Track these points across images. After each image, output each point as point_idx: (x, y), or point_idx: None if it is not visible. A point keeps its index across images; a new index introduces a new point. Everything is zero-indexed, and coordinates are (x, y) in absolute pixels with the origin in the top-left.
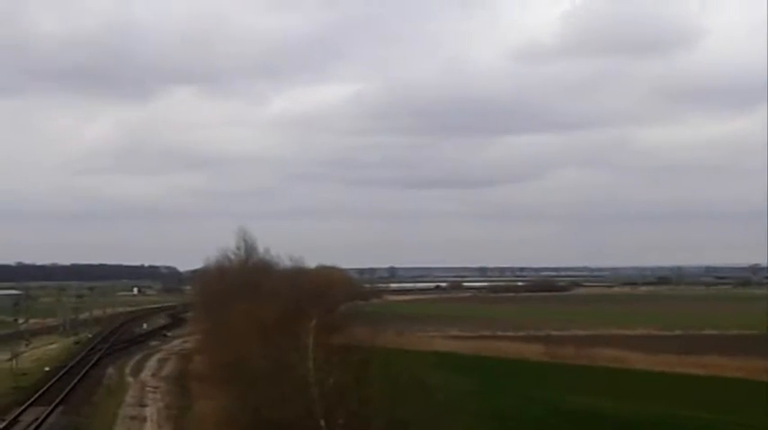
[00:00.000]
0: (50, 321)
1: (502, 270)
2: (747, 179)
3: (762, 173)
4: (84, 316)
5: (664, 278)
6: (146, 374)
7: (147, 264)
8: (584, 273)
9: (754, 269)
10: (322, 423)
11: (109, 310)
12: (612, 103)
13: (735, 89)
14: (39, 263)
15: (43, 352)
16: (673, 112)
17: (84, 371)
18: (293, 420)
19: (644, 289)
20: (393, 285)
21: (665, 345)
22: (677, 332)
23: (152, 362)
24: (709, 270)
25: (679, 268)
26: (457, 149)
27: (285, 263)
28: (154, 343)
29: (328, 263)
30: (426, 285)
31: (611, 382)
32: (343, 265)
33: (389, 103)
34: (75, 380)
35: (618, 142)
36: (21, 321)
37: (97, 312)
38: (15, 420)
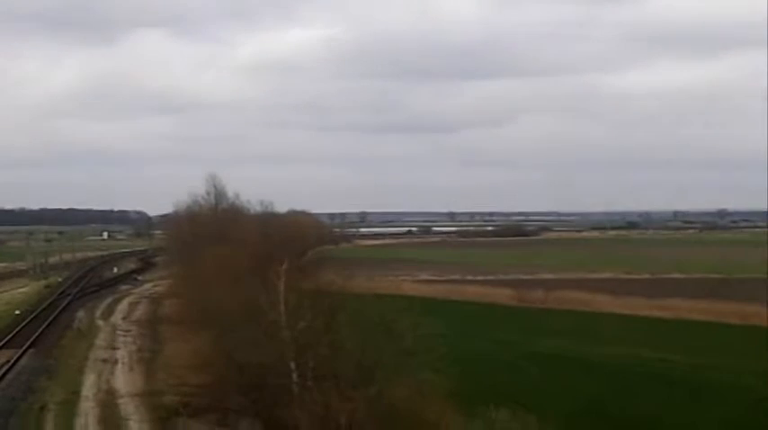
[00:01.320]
0: (20, 265)
1: (471, 215)
2: (716, 126)
3: (731, 119)
4: (54, 260)
5: (632, 223)
6: (117, 318)
7: (116, 209)
8: (554, 218)
9: (722, 213)
10: (292, 366)
11: (79, 255)
12: (582, 49)
13: (704, 35)
14: (7, 207)
15: (13, 295)
16: (643, 59)
17: (54, 314)
18: (264, 363)
19: (612, 233)
20: (363, 230)
21: (631, 288)
22: (644, 275)
23: (123, 306)
24: (677, 214)
25: (647, 213)
26: (428, 94)
27: (255, 208)
28: (124, 287)
29: (299, 208)
30: (397, 230)
31: (578, 325)
32: (314, 210)
33: (361, 48)
34: (46, 324)
35: (588, 89)
36: None
37: (67, 256)
38: None
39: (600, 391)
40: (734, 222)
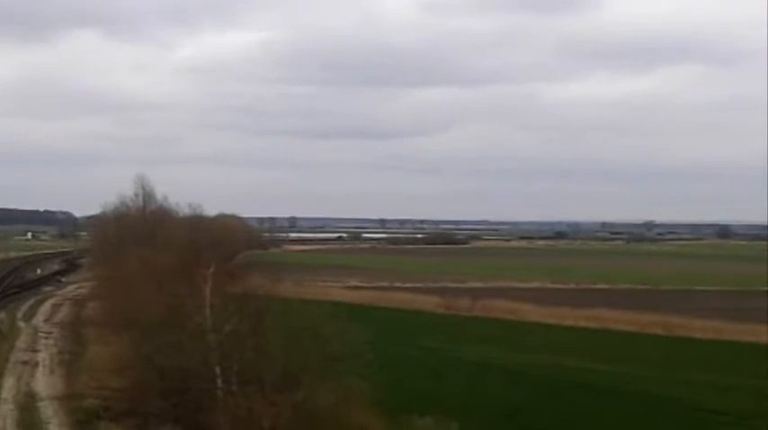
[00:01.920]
0: None
1: (402, 222)
2: (645, 138)
3: (660, 132)
4: None
5: (561, 233)
6: (38, 319)
7: (42, 209)
8: (484, 227)
9: (648, 225)
10: (217, 370)
11: (1, 255)
12: (521, 59)
13: (639, 49)
14: None
15: None
16: (578, 71)
17: None
18: (187, 367)
19: (541, 243)
20: (293, 235)
21: (557, 298)
22: (571, 286)
23: (45, 308)
24: (605, 226)
25: (576, 223)
26: (364, 101)
27: (184, 210)
28: (47, 288)
29: (229, 211)
30: (327, 236)
31: (504, 333)
32: (244, 214)
33: (298, 53)
34: None
35: (523, 98)
36: None
37: None
38: None
39: (524, 399)
40: (660, 234)
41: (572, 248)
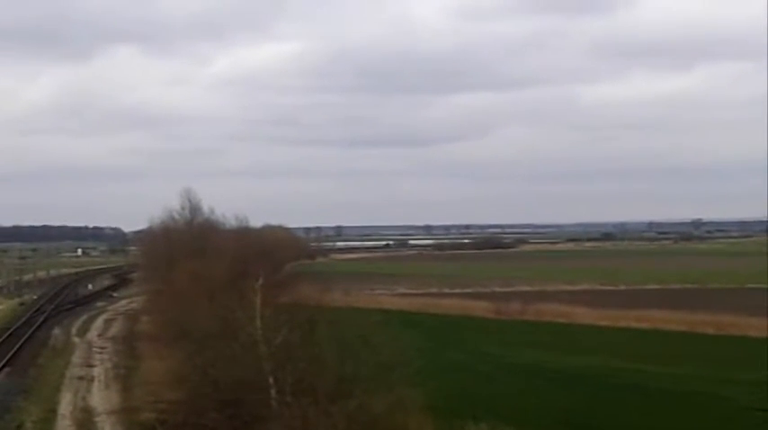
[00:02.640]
0: None
1: (447, 228)
2: (688, 135)
3: (702, 129)
4: (28, 277)
5: (608, 234)
6: (92, 335)
7: (91, 226)
8: (530, 230)
9: (696, 224)
10: (270, 381)
11: (53, 271)
12: (557, 61)
13: (675, 47)
14: None
15: None
16: (615, 70)
17: (29, 332)
18: (242, 379)
19: (588, 245)
20: (339, 244)
21: (607, 300)
22: (620, 287)
23: (98, 323)
24: (651, 225)
25: (623, 224)
26: (402, 108)
27: (230, 222)
28: (100, 303)
29: (274, 222)
30: (373, 244)
31: (555, 337)
32: (290, 225)
33: (333, 62)
34: (21, 342)
35: (561, 100)
36: None
37: (41, 273)
38: None
39: (578, 402)
40: (708, 232)
41: (620, 249)
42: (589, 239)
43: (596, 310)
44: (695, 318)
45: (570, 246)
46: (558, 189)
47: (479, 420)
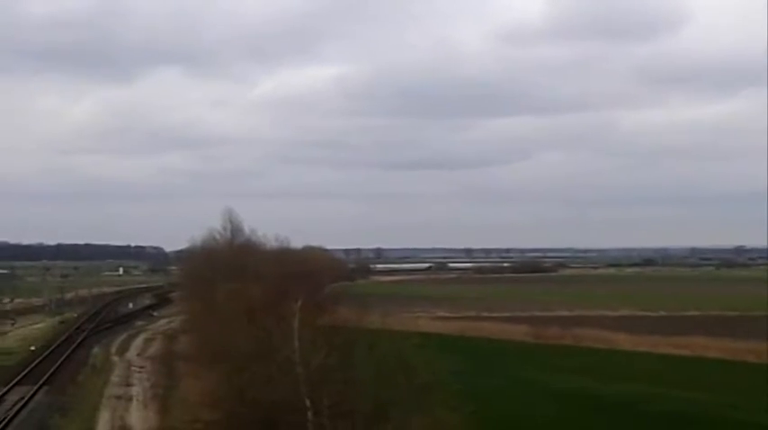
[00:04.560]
0: (36, 301)
1: (488, 251)
2: (731, 162)
3: (745, 155)
4: (69, 295)
5: (649, 259)
6: (132, 354)
7: (133, 245)
8: (570, 255)
9: (739, 250)
10: (307, 403)
11: (94, 290)
12: (598, 86)
13: (718, 73)
14: (24, 242)
15: (29, 331)
16: (657, 96)
17: (69, 350)
18: (279, 401)
19: (629, 270)
20: (379, 266)
21: (648, 326)
22: (660, 313)
23: (138, 342)
24: (694, 251)
25: (664, 250)
26: (443, 131)
27: (271, 243)
28: (140, 322)
29: (314, 243)
30: (413, 266)
31: (595, 362)
32: (330, 246)
33: (376, 85)
34: (61, 360)
35: (603, 125)
36: (6, 301)
37: (83, 292)
38: (0, 399)
39: (617, 429)
40: (751, 259)
41: (661, 275)
42: (630, 265)
43: (636, 336)
44: (735, 345)
45: (611, 271)
46: (600, 214)
47: None
